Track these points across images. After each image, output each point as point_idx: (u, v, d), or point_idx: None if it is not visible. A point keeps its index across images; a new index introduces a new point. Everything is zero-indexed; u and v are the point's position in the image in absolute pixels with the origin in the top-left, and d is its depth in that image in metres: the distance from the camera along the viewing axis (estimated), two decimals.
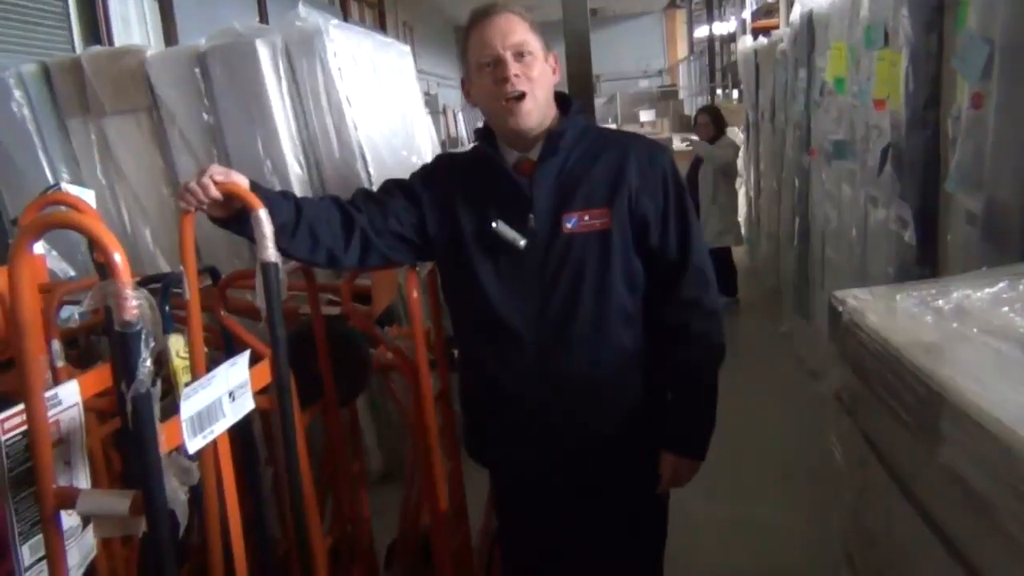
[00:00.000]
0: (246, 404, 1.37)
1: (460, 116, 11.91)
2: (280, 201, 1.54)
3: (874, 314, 1.27)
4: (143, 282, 1.64)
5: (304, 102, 3.21)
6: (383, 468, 3.46)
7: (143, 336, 1.10)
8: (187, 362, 1.77)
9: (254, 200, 1.41)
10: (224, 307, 1.87)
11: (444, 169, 1.78)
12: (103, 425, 2.02)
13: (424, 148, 4.03)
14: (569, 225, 1.62)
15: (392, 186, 1.75)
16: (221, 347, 1.98)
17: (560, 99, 1.72)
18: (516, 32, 1.62)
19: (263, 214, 1.40)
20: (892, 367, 1.11)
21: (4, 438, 1.30)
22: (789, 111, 4.80)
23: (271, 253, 1.41)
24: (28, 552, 1.34)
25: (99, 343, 2.44)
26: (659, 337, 1.73)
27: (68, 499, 1.16)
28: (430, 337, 2.06)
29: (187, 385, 1.50)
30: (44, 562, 1.35)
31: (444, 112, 12.51)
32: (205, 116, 3.24)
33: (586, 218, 1.62)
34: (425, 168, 1.81)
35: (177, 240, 3.41)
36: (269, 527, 2.13)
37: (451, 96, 15.71)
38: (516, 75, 1.60)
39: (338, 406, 1.96)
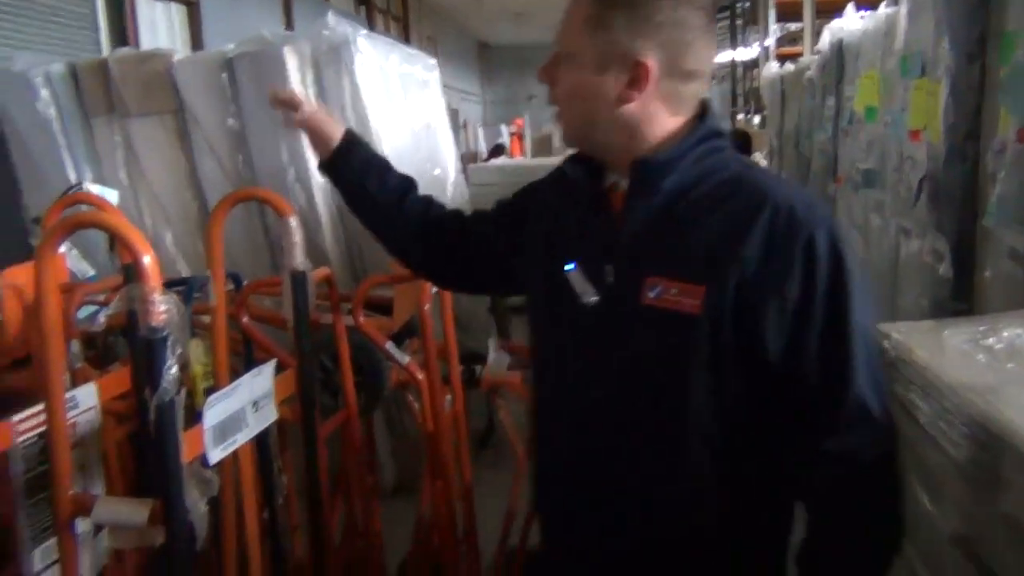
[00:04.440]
0: (269, 415, 1.34)
1: (480, 131, 11.93)
2: (392, 176, 1.44)
3: (922, 350, 1.22)
4: (165, 285, 1.61)
5: (329, 110, 3.19)
6: (395, 481, 3.42)
7: (169, 342, 1.06)
8: (207, 368, 1.74)
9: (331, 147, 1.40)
10: (246, 314, 1.84)
11: (542, 190, 1.40)
12: (119, 428, 1.99)
13: (448, 162, 4.02)
14: (651, 295, 1.13)
15: (492, 206, 1.47)
16: (240, 354, 1.95)
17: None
18: (564, 22, 1.20)
19: (293, 222, 1.37)
20: (944, 406, 1.07)
21: (20, 440, 1.27)
22: (815, 138, 4.76)
23: (300, 261, 1.38)
24: (39, 557, 1.31)
25: (117, 343, 2.41)
26: (786, 505, 1.21)
27: (84, 507, 1.12)
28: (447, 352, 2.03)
29: (207, 392, 1.47)
30: (54, 568, 1.32)
31: (464, 127, 12.56)
32: (230, 121, 3.23)
33: (673, 291, 1.12)
34: (524, 189, 1.45)
35: (198, 245, 3.40)
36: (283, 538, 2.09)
37: (473, 111, 15.76)
38: (544, 81, 1.22)
39: (361, 415, 1.93)
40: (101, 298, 2.33)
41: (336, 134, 1.43)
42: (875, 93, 3.34)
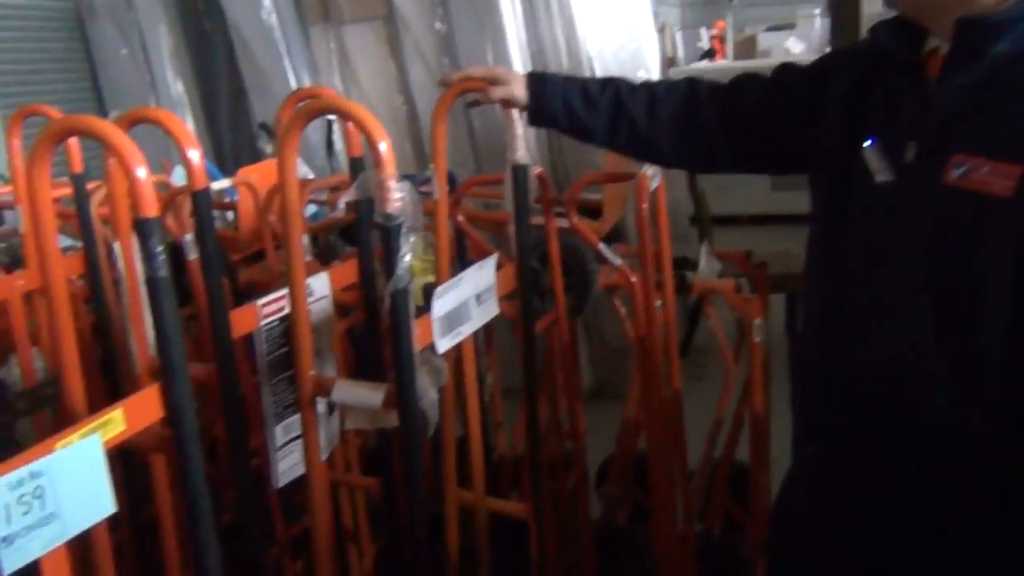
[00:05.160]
0: (492, 308, 1.35)
1: (679, 36, 11.45)
2: (592, 94, 1.38)
3: None
4: None
5: (535, 12, 3.14)
6: (592, 388, 3.45)
7: (404, 229, 1.08)
8: (425, 264, 1.79)
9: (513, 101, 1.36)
10: (460, 213, 1.86)
11: (837, 62, 1.28)
12: (340, 321, 2.10)
13: (652, 65, 3.87)
14: (956, 173, 1.01)
15: (765, 78, 1.35)
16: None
17: None
18: None
19: (516, 114, 1.35)
20: None
21: (263, 323, 1.35)
22: None
23: (522, 155, 1.36)
24: (281, 433, 1.40)
25: (337, 243, 2.53)
26: None
27: (324, 387, 1.18)
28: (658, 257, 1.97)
29: (426, 289, 1.50)
30: (294, 443, 1.42)
31: (663, 31, 12.08)
32: (438, 25, 3.25)
33: (983, 170, 0.99)
34: (820, 60, 1.33)
35: (406, 148, 3.50)
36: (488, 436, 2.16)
37: (671, 14, 15.10)
38: None
39: (568, 317, 1.92)
40: (324, 197, 2.45)
41: (519, 88, 1.38)
42: None
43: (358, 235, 1.39)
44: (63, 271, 1.12)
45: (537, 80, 1.39)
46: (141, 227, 0.95)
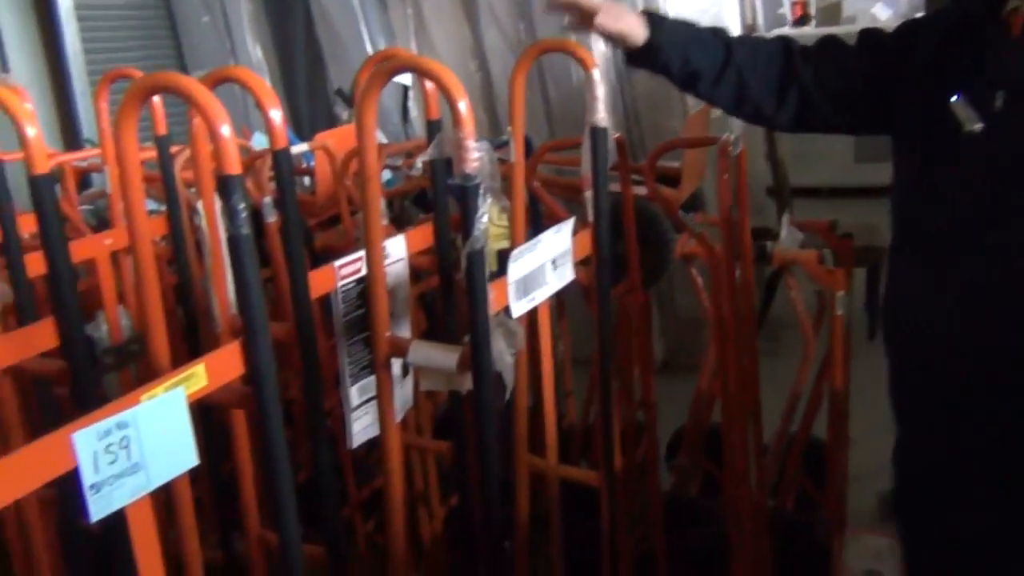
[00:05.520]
0: (567, 273, 1.33)
1: (759, 1, 11.14)
2: (706, 40, 1.38)
3: None
4: None
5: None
6: (663, 359, 3.41)
7: (482, 190, 1.06)
8: (499, 230, 1.77)
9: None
10: (535, 178, 1.84)
11: (921, 25, 1.37)
12: (413, 286, 2.11)
13: (732, 31, 3.77)
14: None
15: (855, 40, 1.42)
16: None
17: None
18: None
19: (596, 75, 1.31)
20: None
21: (340, 284, 1.35)
22: None
23: (601, 117, 1.32)
24: (356, 394, 1.41)
25: (412, 210, 2.54)
26: None
27: (400, 348, 1.18)
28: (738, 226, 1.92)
29: (500, 255, 1.49)
30: (369, 404, 1.43)
31: None
32: None
33: None
34: (904, 25, 1.41)
35: (479, 113, 3.48)
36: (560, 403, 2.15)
37: None
38: None
39: (643, 287, 1.89)
40: (399, 163, 2.46)
41: (636, 26, 1.35)
42: None
43: (434, 196, 1.38)
44: (149, 230, 1.14)
45: (657, 19, 1.37)
46: (224, 184, 0.95)
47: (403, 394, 1.42)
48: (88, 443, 0.85)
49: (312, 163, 2.62)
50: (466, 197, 1.05)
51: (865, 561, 1.90)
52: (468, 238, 1.06)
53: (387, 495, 1.33)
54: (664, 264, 2.10)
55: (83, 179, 2.89)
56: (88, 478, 0.85)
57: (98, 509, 0.86)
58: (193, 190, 2.02)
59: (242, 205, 1.03)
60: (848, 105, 1.38)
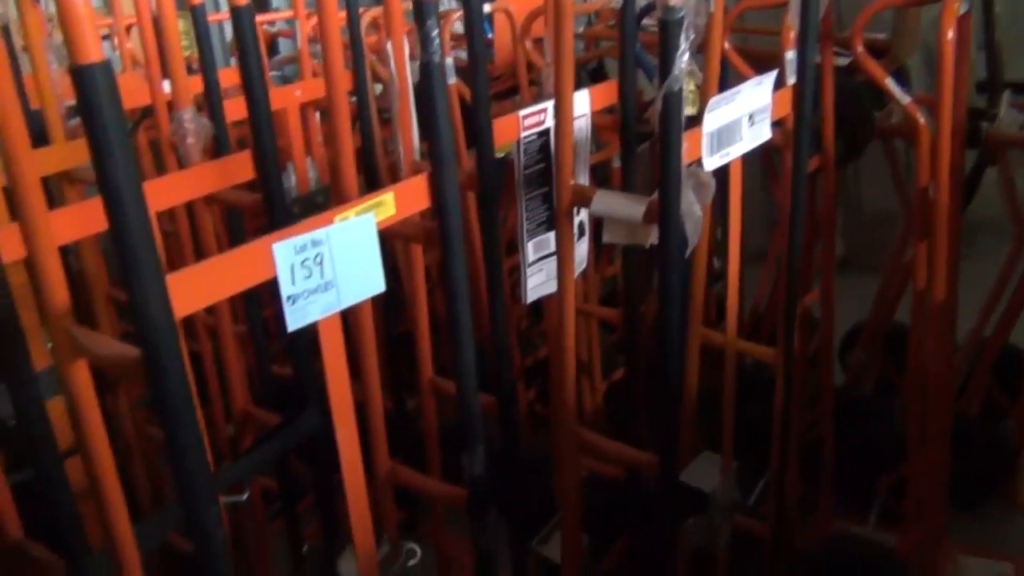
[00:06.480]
0: (763, 132, 1.24)
1: None
2: None
3: None
4: None
5: None
6: (842, 255, 3.23)
7: (685, 25, 0.99)
8: (687, 95, 1.68)
9: None
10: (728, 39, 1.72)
11: None
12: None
13: None
14: None
15: None
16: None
17: None
18: None
19: None
20: None
21: (523, 135, 1.32)
22: None
23: None
24: (533, 249, 1.40)
25: (586, 81, 2.46)
26: None
27: (584, 197, 1.14)
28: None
29: (688, 120, 1.41)
30: (544, 261, 1.42)
31: None
32: None
33: None
34: None
35: None
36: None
37: None
38: None
39: (837, 166, 1.75)
40: (579, 30, 2.37)
41: None
42: None
43: (621, 44, 1.31)
44: (344, 78, 1.15)
45: None
46: (419, 8, 0.93)
47: (579, 252, 1.39)
48: (286, 254, 0.87)
49: (491, 35, 2.57)
50: (667, 33, 0.98)
51: None
52: (666, 78, 1.00)
53: (554, 355, 1.32)
54: (865, 140, 1.93)
55: (272, 45, 2.99)
56: (286, 289, 0.88)
57: (294, 319, 0.90)
58: (375, 57, 2.04)
59: (436, 31, 1.01)
60: None
